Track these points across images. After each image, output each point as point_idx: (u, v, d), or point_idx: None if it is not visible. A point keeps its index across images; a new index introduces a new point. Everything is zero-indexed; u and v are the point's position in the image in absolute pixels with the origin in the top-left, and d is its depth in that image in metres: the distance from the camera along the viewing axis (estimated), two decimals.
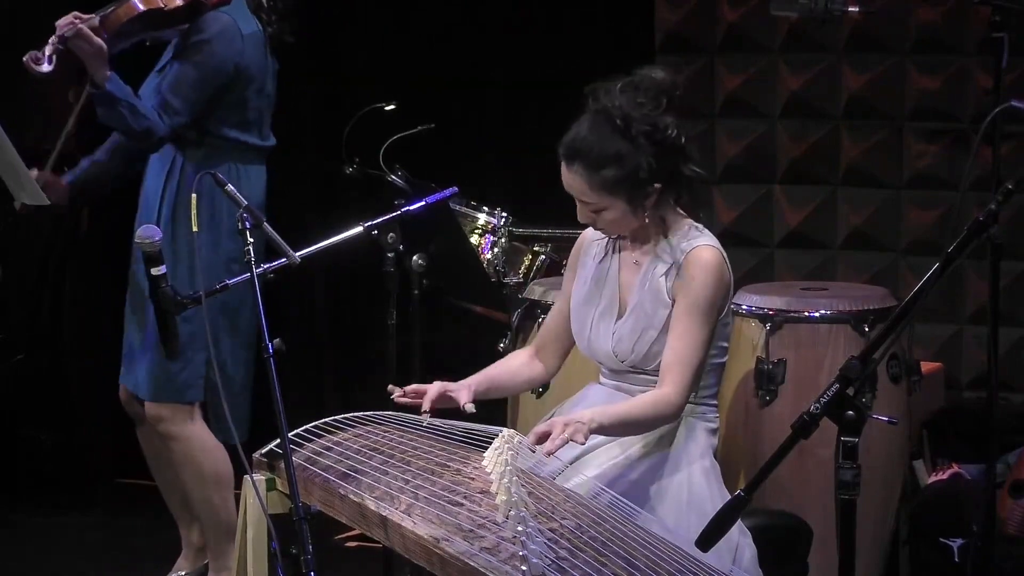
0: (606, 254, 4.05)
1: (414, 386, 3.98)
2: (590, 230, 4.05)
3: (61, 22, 4.60)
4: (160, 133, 4.72)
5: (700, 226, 3.97)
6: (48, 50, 4.54)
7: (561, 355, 4.17)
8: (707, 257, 3.88)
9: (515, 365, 4.17)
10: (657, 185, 3.87)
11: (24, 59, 4.58)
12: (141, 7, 4.65)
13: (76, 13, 4.62)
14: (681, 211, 3.98)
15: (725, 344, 3.99)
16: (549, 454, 3.64)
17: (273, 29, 4.89)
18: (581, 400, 4.05)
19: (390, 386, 4.03)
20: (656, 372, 3.92)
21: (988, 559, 4.02)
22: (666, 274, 3.91)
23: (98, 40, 4.58)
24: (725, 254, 3.92)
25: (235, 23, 4.78)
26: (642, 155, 3.83)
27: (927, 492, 5.15)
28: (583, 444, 3.73)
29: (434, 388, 3.96)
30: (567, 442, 3.66)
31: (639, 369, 3.95)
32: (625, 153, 3.83)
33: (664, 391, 3.86)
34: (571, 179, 3.89)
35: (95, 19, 4.63)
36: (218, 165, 4.77)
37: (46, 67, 4.55)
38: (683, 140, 3.89)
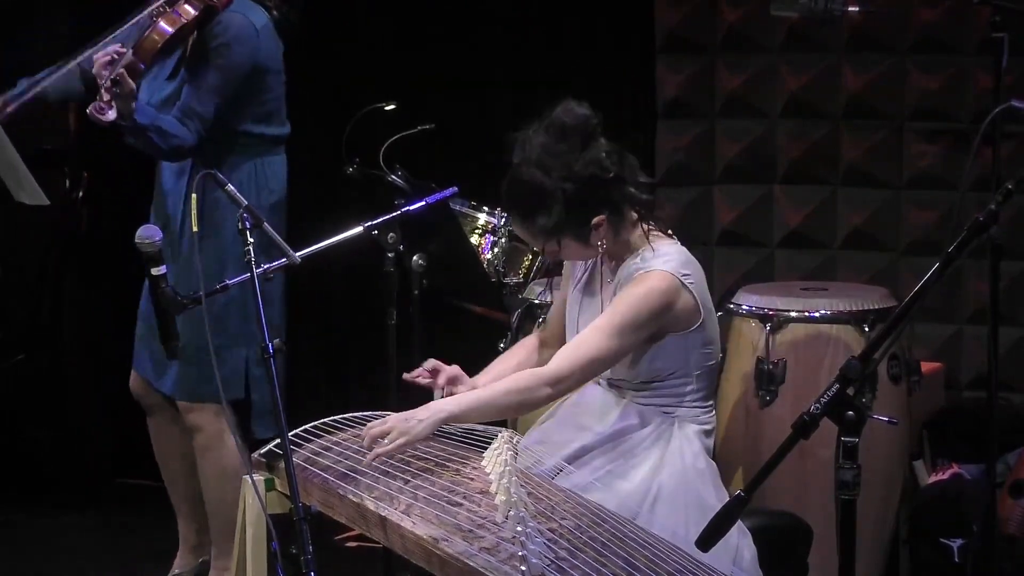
0: (591, 268, 4.06)
1: (433, 362, 4.04)
2: None
3: (102, 62, 4.60)
4: (188, 145, 4.73)
5: (664, 248, 3.93)
6: (107, 97, 4.57)
7: None
8: (649, 280, 3.86)
9: (519, 362, 4.19)
10: (600, 216, 3.88)
11: (88, 112, 4.59)
12: (170, 29, 4.67)
13: (114, 49, 4.62)
14: (650, 229, 3.96)
15: (709, 350, 3.97)
16: (375, 457, 3.70)
17: (280, 15, 4.91)
18: (579, 401, 4.04)
19: (405, 375, 4.08)
20: (643, 381, 3.93)
21: (988, 559, 4.02)
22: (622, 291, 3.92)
23: (131, 84, 4.60)
24: (683, 280, 3.86)
25: (248, 19, 4.80)
26: (565, 199, 3.84)
27: (927, 492, 5.15)
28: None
29: (451, 370, 4.05)
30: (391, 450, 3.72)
31: (622, 379, 3.95)
32: (550, 198, 3.85)
33: (540, 369, 3.89)
34: (516, 228, 3.99)
35: (128, 53, 4.64)
36: (242, 162, 4.81)
37: (112, 114, 4.57)
38: (615, 169, 3.87)
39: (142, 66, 4.68)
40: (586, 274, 4.06)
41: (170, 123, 4.72)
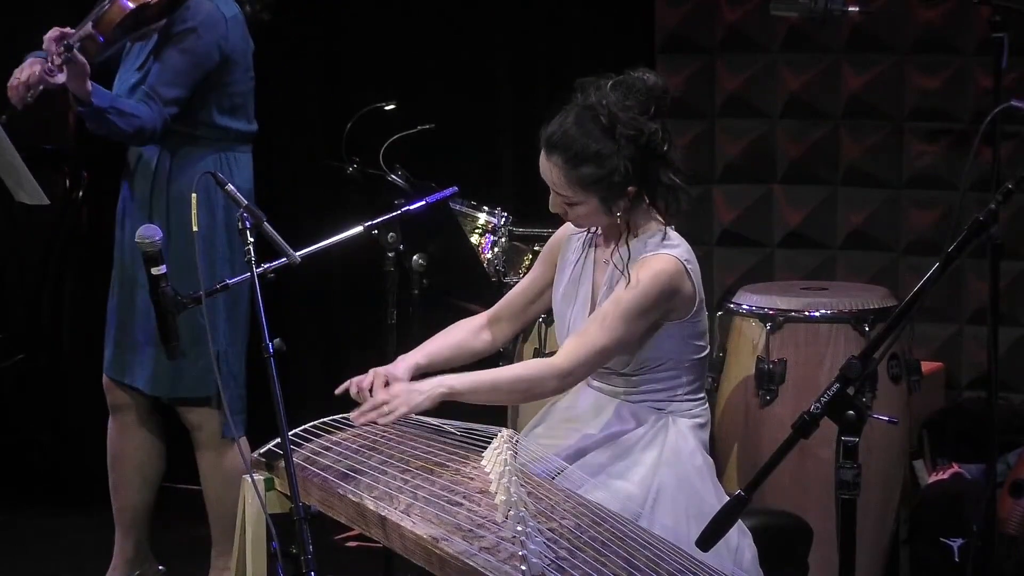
0: (583, 253, 4.04)
1: (355, 381, 4.03)
2: (570, 226, 4.05)
3: (51, 36, 4.58)
4: (151, 126, 4.70)
5: (671, 234, 3.93)
6: (57, 60, 4.54)
7: (515, 330, 4.20)
8: (657, 263, 3.85)
9: (458, 339, 4.16)
10: (632, 188, 3.87)
11: (38, 73, 4.57)
12: (131, 5, 4.65)
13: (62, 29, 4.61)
14: (657, 216, 3.96)
15: (702, 342, 3.96)
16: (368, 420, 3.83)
17: (252, 9, 4.90)
18: (571, 403, 4.03)
19: (337, 389, 4.08)
20: (631, 373, 3.92)
21: (988, 559, 4.02)
22: (623, 274, 3.91)
23: (82, 59, 4.57)
24: (687, 267, 3.87)
25: (217, 8, 4.78)
26: (622, 157, 3.82)
27: (927, 492, 5.15)
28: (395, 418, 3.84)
29: (378, 380, 3.99)
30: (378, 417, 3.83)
31: (612, 371, 3.94)
32: (606, 153, 3.82)
33: (550, 359, 3.88)
34: (548, 169, 3.89)
35: (88, 25, 4.63)
36: (206, 155, 4.79)
37: (61, 77, 4.55)
38: (666, 147, 3.88)
39: (100, 39, 4.64)
40: (582, 258, 4.04)
41: (129, 104, 4.70)
